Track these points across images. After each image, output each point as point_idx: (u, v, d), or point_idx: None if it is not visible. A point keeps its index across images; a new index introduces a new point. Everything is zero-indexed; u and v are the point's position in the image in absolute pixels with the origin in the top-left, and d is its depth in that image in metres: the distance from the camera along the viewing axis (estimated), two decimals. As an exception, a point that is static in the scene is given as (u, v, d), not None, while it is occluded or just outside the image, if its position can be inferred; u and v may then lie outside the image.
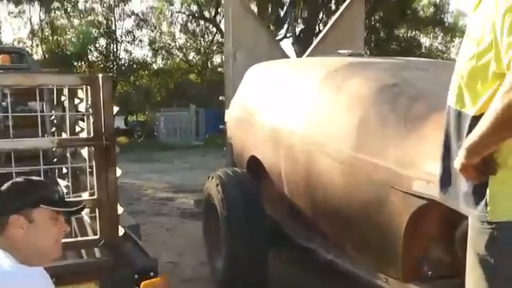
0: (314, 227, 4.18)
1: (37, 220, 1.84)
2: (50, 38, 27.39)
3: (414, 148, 3.05)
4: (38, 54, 25.95)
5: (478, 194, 1.90)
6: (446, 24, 31.96)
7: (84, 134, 3.31)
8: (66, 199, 2.11)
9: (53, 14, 27.10)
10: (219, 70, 26.74)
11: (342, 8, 8.02)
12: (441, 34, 33.31)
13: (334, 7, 25.14)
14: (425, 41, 33.04)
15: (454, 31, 32.57)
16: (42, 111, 4.73)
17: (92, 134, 2.92)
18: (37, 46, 27.21)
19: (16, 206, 1.83)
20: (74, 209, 2.08)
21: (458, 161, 1.92)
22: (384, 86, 3.59)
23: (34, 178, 2.00)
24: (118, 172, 2.98)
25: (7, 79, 3.02)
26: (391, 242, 3.18)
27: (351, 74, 4.03)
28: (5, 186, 1.89)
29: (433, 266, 3.11)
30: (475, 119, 1.87)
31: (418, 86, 3.58)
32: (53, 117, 4.77)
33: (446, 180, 2.13)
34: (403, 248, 3.11)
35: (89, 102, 3.00)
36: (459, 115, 1.99)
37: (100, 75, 2.96)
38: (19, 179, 1.94)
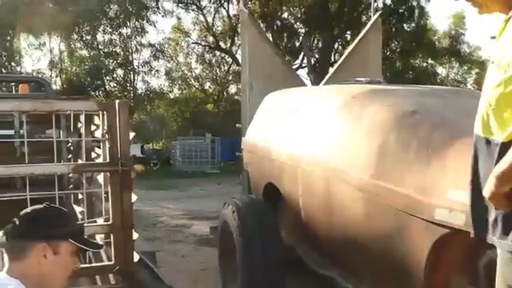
0: (332, 255, 4.09)
1: (62, 253, 1.80)
2: (69, 68, 27.83)
3: (436, 175, 2.97)
4: (56, 84, 26.34)
5: (508, 223, 1.83)
6: (462, 55, 32.01)
7: (100, 160, 3.29)
8: (85, 236, 2.04)
9: (72, 46, 27.55)
10: (236, 98, 26.91)
11: (359, 36, 8.03)
12: (457, 64, 33.39)
13: (349, 37, 25.32)
14: (441, 71, 33.15)
15: (470, 62, 32.64)
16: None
17: (108, 160, 2.90)
18: (56, 76, 27.65)
19: (47, 234, 1.77)
20: (96, 250, 2.04)
21: (487, 189, 1.86)
22: (404, 113, 3.53)
23: (63, 208, 1.96)
24: (134, 197, 2.95)
25: (25, 105, 3.02)
26: (412, 272, 3.08)
27: (370, 101, 3.98)
28: (36, 210, 1.84)
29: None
30: (504, 146, 1.82)
31: (439, 113, 3.52)
32: (69, 144, 4.78)
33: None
34: (425, 278, 3.01)
35: (105, 128, 2.99)
36: (487, 143, 1.94)
37: (117, 101, 2.95)
38: (50, 206, 1.88)
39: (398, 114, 3.56)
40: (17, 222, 1.80)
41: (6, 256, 1.79)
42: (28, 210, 1.84)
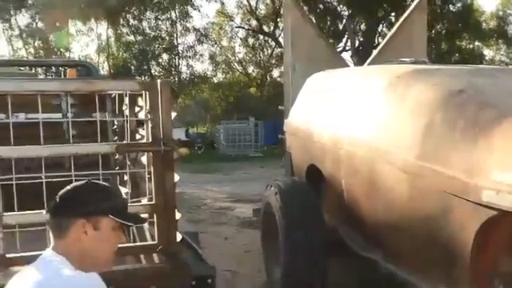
0: (375, 237, 4.05)
1: (102, 228, 1.79)
2: (116, 53, 28.29)
3: (483, 156, 2.88)
4: (104, 69, 26.83)
5: None
6: (510, 36, 31.02)
7: (144, 141, 3.33)
8: (128, 211, 2.05)
9: (119, 31, 27.96)
10: (279, 81, 26.83)
11: (403, 16, 7.85)
12: (504, 45, 32.43)
13: (393, 19, 24.81)
14: (488, 53, 32.26)
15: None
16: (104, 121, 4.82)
17: (150, 140, 2.92)
18: (103, 61, 28.15)
19: (86, 210, 1.77)
20: (137, 224, 2.04)
21: None
22: (451, 92, 3.43)
23: (103, 184, 1.95)
24: (176, 177, 2.97)
25: (69, 85, 3.08)
26: (458, 255, 3.01)
27: (415, 81, 3.89)
28: (77, 187, 1.84)
29: (503, 281, 2.93)
30: None
31: (487, 92, 3.40)
32: (115, 126, 4.85)
33: None
34: (471, 261, 2.94)
35: (147, 108, 3.01)
36: None
37: (159, 81, 2.96)
38: (90, 183, 1.87)
39: (444, 93, 3.46)
40: (57, 200, 1.81)
41: (51, 233, 1.82)
42: (68, 187, 1.85)
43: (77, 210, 1.78)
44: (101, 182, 1.95)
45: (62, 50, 26.49)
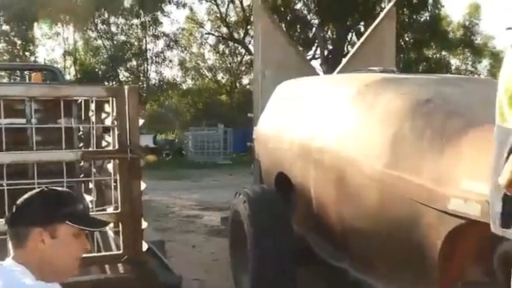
0: (343, 246, 4.04)
1: (60, 236, 1.74)
2: (83, 58, 27.94)
3: (451, 165, 2.91)
4: (70, 74, 26.46)
5: None
6: (476, 45, 31.76)
7: (110, 148, 3.26)
8: (91, 215, 2.00)
9: (87, 36, 27.64)
10: (248, 88, 26.90)
11: (373, 25, 7.92)
12: (470, 55, 33.18)
13: (363, 28, 25.12)
14: (454, 62, 32.94)
15: (483, 52, 32.41)
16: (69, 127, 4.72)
17: (117, 147, 2.87)
18: (70, 66, 27.76)
19: (41, 218, 1.73)
20: (99, 229, 2.00)
21: (503, 177, 1.79)
22: (418, 102, 3.46)
23: (61, 190, 1.89)
24: (143, 186, 2.92)
25: (34, 90, 3.00)
26: (426, 263, 3.03)
27: (384, 90, 3.91)
28: (31, 195, 1.79)
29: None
30: None
31: (453, 101, 3.44)
32: (80, 133, 4.76)
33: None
34: (439, 270, 2.96)
35: (114, 115, 2.95)
36: (504, 130, 1.87)
37: (126, 87, 2.91)
38: (47, 190, 1.82)
39: (412, 102, 3.49)
40: (14, 209, 1.77)
41: (10, 243, 1.77)
42: (25, 196, 1.80)
43: (32, 218, 1.73)
44: (58, 188, 1.89)
45: (26, 53, 26.01)
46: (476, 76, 30.28)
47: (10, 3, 23.24)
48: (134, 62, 28.52)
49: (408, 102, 3.52)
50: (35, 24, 25.45)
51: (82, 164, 4.46)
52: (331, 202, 4.08)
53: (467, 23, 31.35)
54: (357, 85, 4.21)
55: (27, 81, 9.52)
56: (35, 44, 27.56)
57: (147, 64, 28.55)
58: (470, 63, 33.85)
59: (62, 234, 1.75)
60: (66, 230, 1.76)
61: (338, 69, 7.68)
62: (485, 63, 34.16)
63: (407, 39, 27.14)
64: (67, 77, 23.09)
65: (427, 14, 26.83)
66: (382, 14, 8.06)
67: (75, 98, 3.86)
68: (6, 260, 1.76)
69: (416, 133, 3.27)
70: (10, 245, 1.78)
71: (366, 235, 3.64)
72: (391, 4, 8.01)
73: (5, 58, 25.40)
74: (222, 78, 31.97)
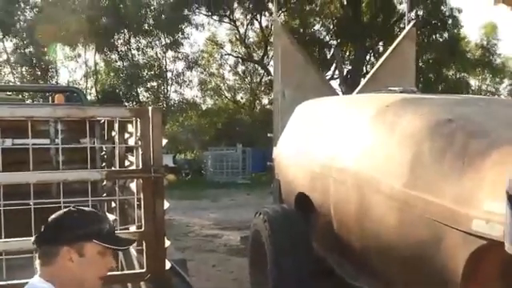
0: (364, 266, 4.03)
1: (87, 254, 1.80)
2: (104, 79, 28.30)
3: (473, 185, 2.90)
4: (91, 95, 26.77)
5: None
6: (495, 66, 31.52)
7: (133, 168, 3.30)
8: (116, 234, 2.05)
9: (107, 58, 28.01)
10: (267, 107, 26.96)
11: (393, 45, 7.95)
12: (489, 75, 32.94)
13: (381, 49, 25.13)
14: (473, 82, 32.71)
15: (503, 73, 32.15)
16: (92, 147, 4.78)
17: (140, 166, 2.90)
18: (91, 87, 28.12)
19: (69, 237, 1.79)
20: (124, 248, 2.04)
21: None
22: (439, 122, 3.46)
23: (88, 209, 1.96)
24: (166, 205, 2.95)
25: (59, 111, 3.05)
26: (448, 284, 3.01)
27: (404, 110, 3.92)
28: (59, 215, 1.85)
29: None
30: None
31: (475, 121, 3.43)
32: (103, 152, 4.82)
33: None
34: (461, 290, 2.93)
35: (138, 135, 2.99)
36: None
37: (150, 107, 2.96)
38: (74, 209, 1.89)
39: (433, 122, 3.49)
40: (42, 229, 1.83)
41: (37, 261, 1.81)
42: (53, 215, 1.86)
43: (60, 237, 1.79)
44: (84, 208, 1.94)
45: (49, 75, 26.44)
46: (497, 97, 30.05)
47: (32, 25, 23.69)
48: (154, 83, 28.81)
49: (429, 122, 3.52)
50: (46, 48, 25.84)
51: (104, 183, 4.51)
52: (351, 222, 4.07)
53: (485, 43, 31.17)
54: (377, 105, 4.23)
55: (50, 102, 9.66)
56: (57, 66, 28.03)
57: (167, 84, 28.81)
58: (490, 84, 33.60)
59: (89, 252, 1.81)
60: (92, 248, 1.82)
61: (358, 89, 7.71)
62: (505, 83, 33.88)
63: (426, 59, 27.06)
64: (88, 97, 23.36)
65: (446, 34, 26.74)
66: (401, 35, 8.09)
67: (99, 118, 3.92)
68: (33, 277, 1.81)
69: (438, 153, 3.26)
70: (36, 263, 1.82)
71: (386, 255, 3.62)
72: (411, 25, 8.05)
73: (28, 79, 25.85)
74: (242, 98, 32.15)
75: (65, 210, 1.89)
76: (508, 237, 2.00)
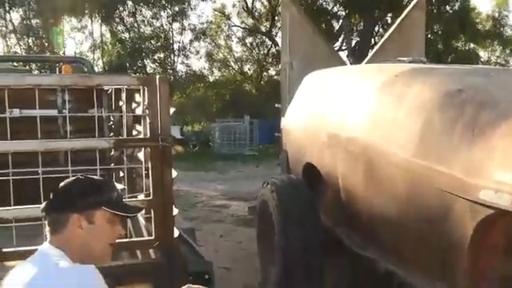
0: (372, 236, 4.04)
1: (97, 222, 1.82)
2: (111, 50, 28.20)
3: (482, 156, 2.87)
4: (98, 66, 26.72)
5: None
6: (505, 37, 31.13)
7: (141, 137, 3.30)
8: (125, 202, 2.07)
9: (113, 28, 27.87)
10: (274, 79, 26.85)
11: (402, 15, 7.85)
12: (499, 47, 32.55)
13: (390, 20, 24.84)
14: (483, 54, 32.36)
15: (512, 45, 31.78)
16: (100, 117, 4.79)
17: (148, 135, 2.91)
18: (98, 59, 28.05)
19: (78, 205, 1.80)
20: (133, 214, 2.06)
21: None
22: (449, 92, 3.42)
23: (96, 177, 1.97)
24: (174, 173, 2.95)
25: (66, 80, 3.04)
26: (455, 253, 3.01)
27: (413, 80, 3.88)
28: (68, 183, 1.86)
29: (499, 279, 2.93)
30: None
31: (485, 91, 3.39)
32: (111, 122, 4.82)
33: None
34: (468, 260, 2.94)
35: (145, 104, 2.99)
36: None
37: (157, 76, 2.94)
38: (83, 177, 1.89)
39: (443, 92, 3.46)
40: (51, 197, 1.84)
41: (47, 229, 1.83)
42: (62, 183, 1.87)
43: (69, 205, 1.81)
44: (93, 176, 1.95)
45: (56, 46, 26.34)
46: (507, 67, 29.76)
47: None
48: (162, 54, 28.69)
49: (439, 92, 3.48)
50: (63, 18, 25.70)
51: (112, 153, 4.52)
52: (360, 192, 4.07)
53: (496, 14, 30.73)
54: (386, 75, 4.19)
55: (57, 73, 9.64)
56: (64, 37, 27.91)
57: (174, 56, 28.69)
58: (500, 56, 33.25)
59: (99, 219, 1.83)
60: (102, 215, 1.83)
61: (367, 59, 7.64)
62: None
63: (436, 30, 26.74)
64: (96, 69, 23.31)
65: (456, 5, 26.36)
66: (411, 5, 7.97)
67: (106, 87, 3.91)
68: (42, 244, 1.82)
69: (447, 123, 3.23)
70: (46, 230, 1.84)
71: (395, 225, 3.63)
72: (421, -6, 7.92)
73: (34, 51, 25.79)
74: (249, 69, 32.02)
75: (73, 177, 1.90)
76: None
